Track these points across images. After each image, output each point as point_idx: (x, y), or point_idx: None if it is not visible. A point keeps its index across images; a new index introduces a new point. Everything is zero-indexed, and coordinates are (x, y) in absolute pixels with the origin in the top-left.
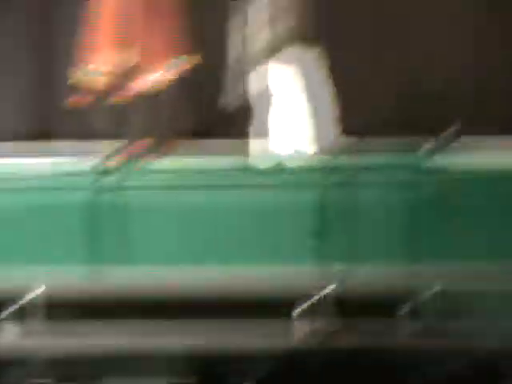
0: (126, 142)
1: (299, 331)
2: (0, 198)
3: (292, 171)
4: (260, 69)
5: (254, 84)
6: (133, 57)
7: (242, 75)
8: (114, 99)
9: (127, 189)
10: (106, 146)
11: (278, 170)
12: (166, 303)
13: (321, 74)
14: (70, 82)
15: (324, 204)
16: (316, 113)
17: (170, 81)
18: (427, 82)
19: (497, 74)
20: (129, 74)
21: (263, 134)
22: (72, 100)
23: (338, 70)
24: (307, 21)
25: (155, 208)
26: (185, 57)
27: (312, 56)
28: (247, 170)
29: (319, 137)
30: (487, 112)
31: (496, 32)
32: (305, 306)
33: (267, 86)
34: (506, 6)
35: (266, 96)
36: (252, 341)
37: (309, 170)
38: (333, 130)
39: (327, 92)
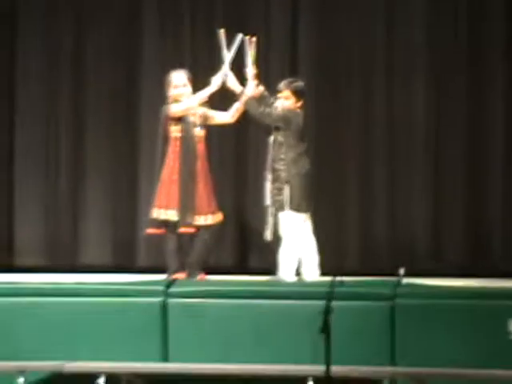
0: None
1: None
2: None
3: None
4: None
5: (283, 224)
6: (191, 206)
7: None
8: (181, 231)
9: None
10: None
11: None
12: None
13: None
14: (149, 216)
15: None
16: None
17: (213, 225)
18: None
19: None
20: (188, 216)
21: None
22: (150, 230)
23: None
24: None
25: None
26: (218, 213)
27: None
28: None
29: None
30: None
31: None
32: None
33: (288, 230)
34: None
35: (290, 234)
36: None
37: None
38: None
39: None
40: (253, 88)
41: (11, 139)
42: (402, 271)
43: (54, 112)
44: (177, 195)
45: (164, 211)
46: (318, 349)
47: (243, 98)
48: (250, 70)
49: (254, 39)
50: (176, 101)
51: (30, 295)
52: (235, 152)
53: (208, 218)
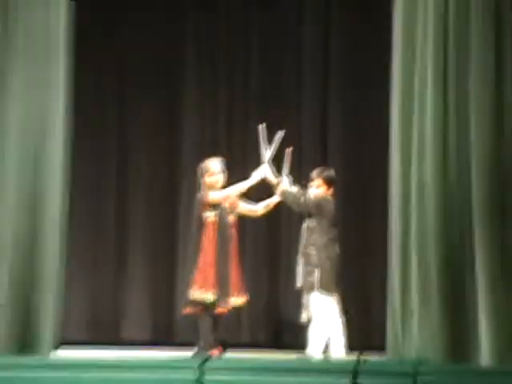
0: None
1: None
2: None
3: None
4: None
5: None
6: (226, 289)
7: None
8: (217, 313)
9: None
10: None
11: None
12: None
13: None
14: (188, 296)
15: None
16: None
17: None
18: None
19: None
20: (223, 298)
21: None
22: (187, 311)
23: None
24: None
25: None
26: (245, 295)
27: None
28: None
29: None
30: None
31: None
32: None
33: (317, 310)
34: None
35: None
36: None
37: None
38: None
39: None
40: (288, 182)
41: None
42: None
43: (98, 192)
44: (213, 278)
45: (200, 293)
46: None
47: (280, 190)
48: (286, 169)
49: (291, 150)
50: (212, 187)
51: (76, 369)
52: (269, 236)
53: (238, 300)
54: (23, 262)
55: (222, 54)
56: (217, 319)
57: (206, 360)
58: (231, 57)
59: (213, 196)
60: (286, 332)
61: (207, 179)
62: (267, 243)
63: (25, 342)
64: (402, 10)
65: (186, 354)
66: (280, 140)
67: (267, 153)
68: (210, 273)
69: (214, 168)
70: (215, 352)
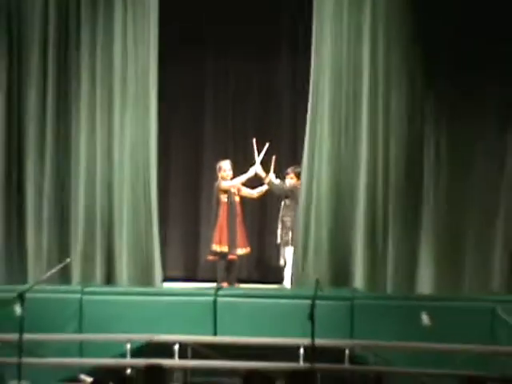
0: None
1: None
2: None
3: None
4: None
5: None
6: (235, 243)
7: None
8: (229, 259)
9: None
10: None
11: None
12: None
13: None
14: (209, 249)
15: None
16: None
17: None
18: None
19: None
20: (233, 249)
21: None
22: (209, 258)
23: None
24: None
25: None
26: (248, 247)
27: None
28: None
29: None
30: None
31: None
32: None
33: (289, 258)
34: None
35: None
36: None
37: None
38: None
39: None
40: (273, 176)
41: None
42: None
43: None
44: (226, 237)
45: (218, 246)
46: (307, 328)
47: (268, 181)
48: (272, 168)
49: (275, 157)
50: (224, 179)
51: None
52: (260, 210)
53: (243, 250)
54: (138, 225)
55: (231, 93)
56: (228, 263)
57: (220, 289)
58: (237, 93)
59: (224, 184)
60: (270, 272)
61: (221, 174)
62: (259, 215)
63: (148, 280)
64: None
65: (209, 285)
66: (266, 149)
67: (258, 157)
68: (224, 233)
69: (225, 166)
70: (225, 285)
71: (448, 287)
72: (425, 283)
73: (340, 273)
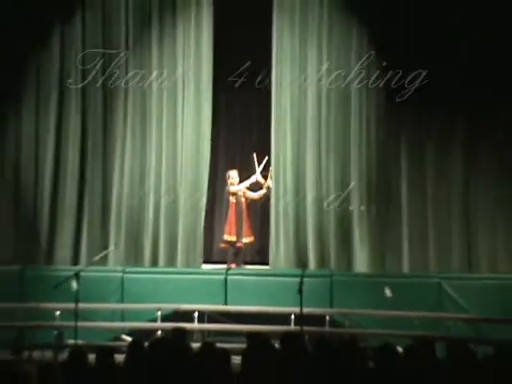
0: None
1: None
2: None
3: None
4: None
5: None
6: (241, 233)
7: None
8: (236, 246)
9: None
10: None
11: None
12: None
13: None
14: (222, 238)
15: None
16: None
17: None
18: None
19: None
20: (240, 238)
21: None
22: (222, 245)
23: None
24: None
25: None
26: (252, 237)
27: None
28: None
29: None
30: None
31: None
32: None
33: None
34: None
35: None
36: None
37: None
38: None
39: None
40: (270, 182)
41: None
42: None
43: None
44: (234, 229)
45: (228, 236)
46: (297, 299)
47: (265, 186)
48: (270, 176)
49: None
50: (232, 184)
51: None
52: (261, 209)
53: (248, 239)
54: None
55: (239, 122)
56: (236, 250)
57: (229, 269)
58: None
59: (232, 189)
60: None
61: (230, 180)
62: (260, 212)
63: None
64: None
65: (222, 266)
66: (265, 162)
67: (258, 168)
68: (233, 226)
69: (232, 175)
70: (233, 266)
71: (418, 267)
72: (394, 264)
73: (302, 257)
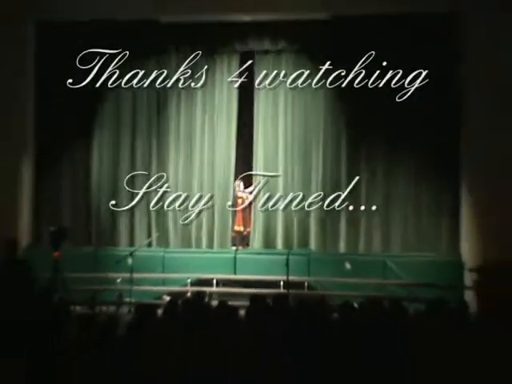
0: None
1: None
2: None
3: None
4: None
5: None
6: (247, 225)
7: None
8: (243, 234)
9: None
10: None
11: None
12: None
13: None
14: (234, 228)
15: None
16: None
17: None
18: None
19: None
20: (246, 228)
21: None
22: (234, 234)
23: None
24: None
25: None
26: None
27: None
28: None
29: None
30: None
31: None
32: None
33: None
34: None
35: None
36: None
37: None
38: None
39: None
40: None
41: None
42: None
43: None
44: (242, 221)
45: (237, 227)
46: (284, 271)
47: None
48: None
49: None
50: (239, 191)
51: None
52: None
53: (249, 229)
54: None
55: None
56: (243, 236)
57: (237, 250)
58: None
59: (239, 194)
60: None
61: (237, 188)
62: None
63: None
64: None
65: (233, 248)
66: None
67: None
68: (240, 220)
69: (238, 184)
70: (240, 248)
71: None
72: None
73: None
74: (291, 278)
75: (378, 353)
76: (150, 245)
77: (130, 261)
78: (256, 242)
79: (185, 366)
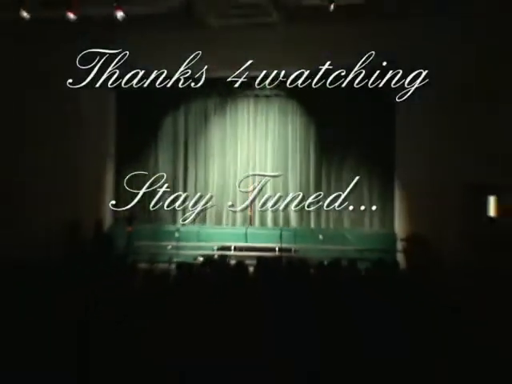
0: None
1: None
2: None
3: None
4: None
5: None
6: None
7: None
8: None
9: None
10: None
11: None
12: None
13: None
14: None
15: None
16: None
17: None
18: None
19: None
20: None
21: None
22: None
23: None
24: None
25: None
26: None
27: None
28: None
29: None
30: None
31: None
32: None
33: None
34: None
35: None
36: None
37: None
38: None
39: None
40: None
41: None
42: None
43: None
44: (251, 209)
45: (250, 212)
46: (279, 240)
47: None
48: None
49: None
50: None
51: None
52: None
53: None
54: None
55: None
56: (250, 218)
57: (248, 227)
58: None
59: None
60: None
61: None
62: None
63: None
64: None
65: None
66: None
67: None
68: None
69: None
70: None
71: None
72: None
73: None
74: (283, 245)
75: (340, 292)
76: (191, 222)
77: (176, 234)
78: (256, 222)
79: (213, 299)
